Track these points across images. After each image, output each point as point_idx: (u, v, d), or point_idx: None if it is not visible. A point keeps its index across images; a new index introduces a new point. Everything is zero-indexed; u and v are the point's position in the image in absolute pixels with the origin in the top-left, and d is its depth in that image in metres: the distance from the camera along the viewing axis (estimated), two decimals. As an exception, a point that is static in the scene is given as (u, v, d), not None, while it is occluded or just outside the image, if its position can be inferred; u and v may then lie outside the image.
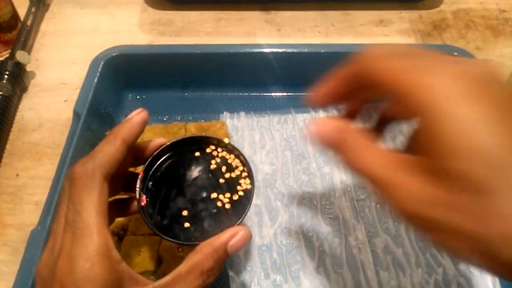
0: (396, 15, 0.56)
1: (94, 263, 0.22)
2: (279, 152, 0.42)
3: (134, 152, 0.29)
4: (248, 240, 0.26)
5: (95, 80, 0.42)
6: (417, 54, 0.20)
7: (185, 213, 0.28)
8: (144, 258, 0.34)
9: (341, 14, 0.56)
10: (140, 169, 0.29)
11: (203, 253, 0.25)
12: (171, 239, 0.26)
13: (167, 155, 0.30)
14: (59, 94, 0.48)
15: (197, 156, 0.30)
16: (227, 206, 0.28)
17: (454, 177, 0.16)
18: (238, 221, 0.27)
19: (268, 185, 0.39)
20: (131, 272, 0.24)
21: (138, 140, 0.28)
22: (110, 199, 0.29)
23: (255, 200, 0.38)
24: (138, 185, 0.28)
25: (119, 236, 0.35)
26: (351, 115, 0.25)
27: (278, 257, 0.35)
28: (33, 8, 0.53)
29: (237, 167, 0.30)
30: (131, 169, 0.30)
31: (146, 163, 0.29)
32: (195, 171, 0.29)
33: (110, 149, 0.25)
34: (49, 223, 0.33)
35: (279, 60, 0.45)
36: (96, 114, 0.42)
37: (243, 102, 0.46)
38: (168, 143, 0.30)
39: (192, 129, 0.41)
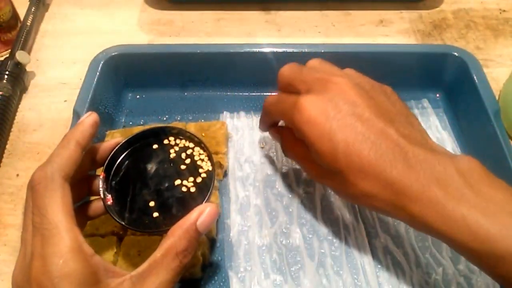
0: (397, 15, 0.56)
1: (67, 259, 0.22)
2: (279, 152, 0.42)
3: (91, 155, 0.30)
4: (216, 216, 0.27)
5: (95, 80, 0.42)
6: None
7: (152, 204, 0.28)
8: (144, 258, 0.33)
9: (341, 14, 0.56)
10: (100, 171, 0.29)
11: (174, 236, 0.25)
12: (143, 230, 0.27)
13: (126, 152, 0.31)
14: (59, 94, 0.48)
15: (156, 148, 0.31)
16: (192, 189, 0.29)
17: (324, 166, 0.29)
18: (203, 200, 0.28)
19: (268, 186, 0.39)
20: (106, 264, 0.25)
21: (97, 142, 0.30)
22: (79, 203, 0.30)
23: (255, 200, 0.38)
24: (100, 186, 0.28)
25: (119, 236, 0.35)
26: None
27: (278, 257, 0.35)
28: (33, 8, 0.53)
29: (196, 152, 0.31)
30: (98, 172, 0.31)
31: (105, 163, 0.29)
32: (155, 163, 0.30)
33: (65, 152, 0.26)
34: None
35: (279, 60, 0.45)
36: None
37: (243, 102, 0.46)
38: (123, 140, 0.30)
39: (192, 129, 0.41)
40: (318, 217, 0.37)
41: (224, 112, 0.45)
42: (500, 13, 0.57)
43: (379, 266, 0.35)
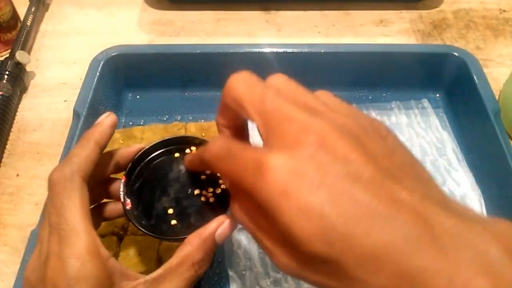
0: (396, 15, 0.56)
1: (84, 261, 0.22)
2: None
3: (114, 158, 0.29)
4: (234, 228, 0.26)
5: (95, 80, 0.42)
6: None
7: (170, 211, 0.28)
8: (144, 258, 0.34)
9: (341, 14, 0.56)
10: (122, 175, 0.29)
11: (192, 245, 0.25)
12: (161, 237, 0.27)
13: (148, 159, 0.30)
14: (59, 94, 0.48)
15: (177, 157, 0.31)
16: (211, 200, 0.29)
17: (309, 257, 0.19)
18: (223, 211, 0.28)
19: (268, 185, 0.39)
20: (121, 267, 0.24)
21: (121, 146, 0.29)
22: (94, 204, 0.30)
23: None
24: (121, 189, 0.28)
25: (119, 236, 0.35)
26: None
27: (278, 257, 0.35)
28: (33, 8, 0.53)
29: None
30: (113, 176, 0.31)
31: (128, 168, 0.29)
32: (176, 171, 0.30)
33: (84, 152, 0.26)
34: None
35: (279, 60, 0.45)
36: (96, 114, 0.42)
37: (243, 102, 0.46)
38: (146, 147, 0.30)
39: (192, 129, 0.41)
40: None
41: (224, 112, 0.45)
42: (500, 13, 0.57)
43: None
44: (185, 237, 0.26)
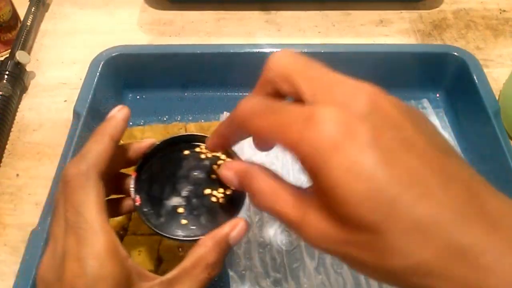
0: (397, 15, 0.56)
1: (104, 262, 0.22)
2: (279, 152, 0.42)
3: (126, 153, 0.29)
4: (247, 231, 0.26)
5: (95, 80, 0.42)
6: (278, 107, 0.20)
7: (180, 210, 0.28)
8: (144, 258, 0.34)
9: (341, 14, 0.56)
10: (131, 170, 0.29)
11: (206, 247, 0.25)
12: (172, 237, 0.26)
13: (158, 155, 0.30)
14: (59, 94, 0.48)
15: (187, 154, 0.30)
16: (222, 200, 0.28)
17: (349, 221, 0.17)
18: (235, 213, 0.27)
19: (268, 185, 0.39)
20: (138, 267, 0.24)
21: (131, 141, 0.29)
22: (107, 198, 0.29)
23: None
24: (132, 185, 0.28)
25: (119, 236, 0.35)
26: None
27: (278, 257, 0.35)
28: (33, 8, 0.53)
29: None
30: (122, 171, 0.30)
31: (138, 163, 0.29)
32: (186, 169, 0.29)
33: (99, 147, 0.25)
34: (49, 223, 0.33)
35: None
36: (96, 114, 0.42)
37: (243, 102, 0.46)
38: (158, 142, 0.30)
39: (192, 129, 0.41)
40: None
41: (224, 113, 0.45)
42: (500, 13, 0.57)
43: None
44: (197, 238, 0.26)
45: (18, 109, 0.47)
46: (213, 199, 0.28)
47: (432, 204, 0.17)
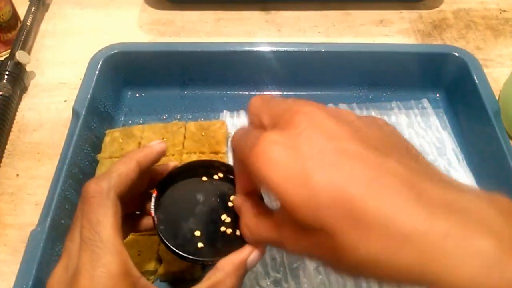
0: (397, 15, 0.56)
1: (116, 282, 0.22)
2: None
3: (149, 175, 0.29)
4: (264, 254, 0.26)
5: (94, 79, 0.42)
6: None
7: (197, 233, 0.28)
8: (144, 258, 0.34)
9: (341, 14, 0.56)
10: (154, 189, 0.29)
11: (225, 271, 0.25)
12: (193, 258, 0.27)
13: (178, 178, 0.31)
14: (59, 94, 0.48)
15: (205, 181, 0.31)
16: (238, 232, 0.28)
17: (304, 226, 0.20)
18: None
19: (268, 185, 0.39)
20: (151, 286, 0.24)
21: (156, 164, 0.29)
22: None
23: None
24: (153, 204, 0.28)
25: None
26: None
27: (278, 256, 0.35)
28: (33, 8, 0.53)
29: None
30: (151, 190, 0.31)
31: (159, 183, 0.29)
32: (204, 194, 0.30)
33: (124, 169, 0.26)
34: (49, 223, 0.33)
35: (279, 59, 0.45)
36: (95, 113, 0.42)
37: (243, 101, 0.46)
38: (179, 165, 0.30)
39: (192, 128, 0.41)
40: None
41: (224, 111, 0.45)
42: (500, 13, 0.57)
43: (379, 266, 0.35)
44: (214, 261, 0.26)
45: (18, 109, 0.47)
46: (228, 231, 0.28)
47: (367, 197, 0.18)
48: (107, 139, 0.41)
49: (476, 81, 0.42)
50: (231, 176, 0.31)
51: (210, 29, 0.54)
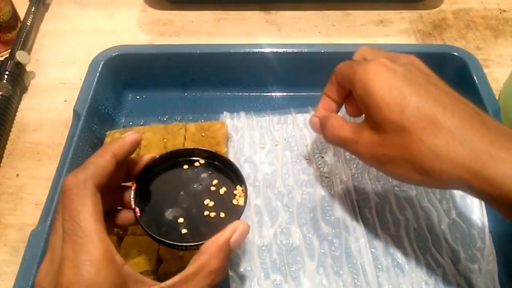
0: (397, 15, 0.56)
1: (99, 268, 0.22)
2: (279, 152, 0.42)
3: (126, 167, 0.30)
4: (247, 233, 0.27)
5: (95, 80, 0.42)
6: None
7: (181, 220, 0.29)
8: (144, 258, 0.34)
9: (341, 14, 0.56)
10: (133, 182, 0.30)
11: (209, 253, 0.25)
12: (175, 243, 0.27)
13: (157, 168, 0.31)
14: (59, 94, 0.48)
15: (186, 169, 0.31)
16: (222, 215, 0.29)
17: (383, 124, 0.26)
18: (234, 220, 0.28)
19: (268, 185, 0.39)
20: (135, 274, 0.24)
21: (132, 156, 0.30)
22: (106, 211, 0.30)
23: (255, 200, 0.38)
24: (132, 196, 0.29)
25: (119, 236, 0.35)
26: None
27: (278, 257, 0.35)
28: (33, 8, 0.53)
29: (224, 175, 0.31)
30: (124, 184, 0.31)
31: (138, 175, 0.30)
32: (185, 182, 0.31)
33: (100, 161, 0.26)
34: (49, 223, 0.33)
35: (279, 60, 0.45)
36: (96, 114, 0.42)
37: (243, 102, 0.46)
38: (157, 156, 0.31)
39: (192, 129, 0.41)
40: (318, 217, 0.37)
41: (224, 113, 0.45)
42: (500, 13, 0.57)
43: (379, 266, 0.35)
44: (200, 244, 0.26)
45: (18, 109, 0.47)
46: (212, 214, 0.29)
47: (446, 111, 0.25)
48: (107, 140, 0.41)
49: (476, 81, 0.42)
50: (214, 162, 0.32)
51: (210, 29, 0.54)
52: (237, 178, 0.31)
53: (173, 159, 0.31)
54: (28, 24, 0.52)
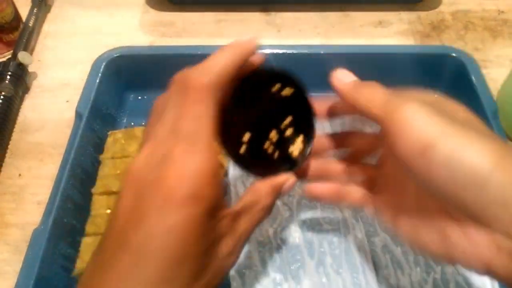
0: (395, 16, 0.57)
1: (207, 182, 0.21)
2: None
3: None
4: (294, 186, 0.28)
5: (97, 81, 0.42)
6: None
7: (245, 137, 0.28)
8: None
9: (340, 16, 0.57)
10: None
11: (264, 191, 0.27)
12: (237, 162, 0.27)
13: (254, 79, 0.29)
14: (61, 95, 0.48)
15: (276, 91, 0.30)
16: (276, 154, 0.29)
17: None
18: (296, 165, 0.29)
19: (268, 185, 0.40)
20: (222, 193, 0.24)
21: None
22: None
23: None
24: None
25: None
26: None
27: (278, 256, 0.35)
28: (35, 9, 0.54)
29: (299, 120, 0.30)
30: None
31: (239, 81, 0.28)
32: (268, 105, 0.29)
33: (228, 62, 0.25)
34: (51, 222, 0.34)
35: (279, 61, 0.45)
36: (98, 115, 0.42)
37: (243, 103, 0.47)
38: (264, 68, 0.30)
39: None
40: (318, 216, 0.38)
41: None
42: (499, 14, 0.57)
43: (378, 264, 0.35)
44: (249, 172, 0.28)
45: (20, 110, 0.47)
46: (271, 144, 0.29)
47: (474, 146, 0.23)
48: (109, 140, 0.42)
49: (474, 82, 0.43)
50: (303, 97, 0.31)
51: (211, 30, 0.55)
52: (308, 128, 0.30)
53: (270, 77, 0.30)
54: (30, 25, 0.52)
